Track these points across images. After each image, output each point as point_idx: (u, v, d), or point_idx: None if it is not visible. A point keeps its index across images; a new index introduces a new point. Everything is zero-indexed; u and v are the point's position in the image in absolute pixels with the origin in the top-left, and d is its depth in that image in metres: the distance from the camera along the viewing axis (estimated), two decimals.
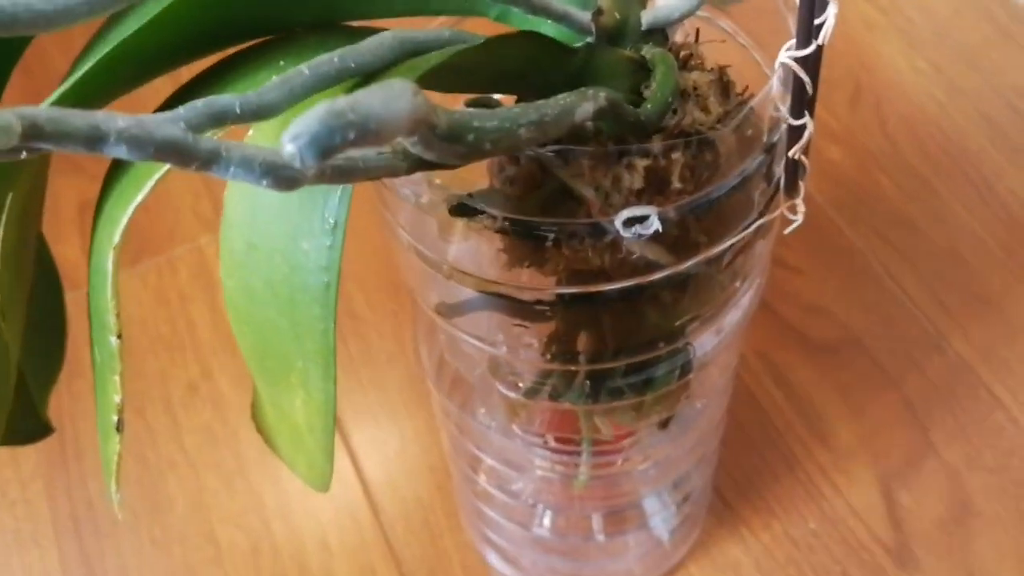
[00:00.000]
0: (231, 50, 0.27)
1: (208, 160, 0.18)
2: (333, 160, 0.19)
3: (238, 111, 0.21)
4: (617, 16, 0.27)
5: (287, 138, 0.16)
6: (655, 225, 0.26)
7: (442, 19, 0.30)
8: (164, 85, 0.27)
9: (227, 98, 0.21)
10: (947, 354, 0.58)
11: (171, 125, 0.18)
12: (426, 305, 0.35)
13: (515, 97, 0.27)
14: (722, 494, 0.54)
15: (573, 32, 0.27)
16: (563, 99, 0.21)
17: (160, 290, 0.63)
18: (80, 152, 0.17)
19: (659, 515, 0.48)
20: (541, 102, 0.21)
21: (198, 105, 0.21)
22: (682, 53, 0.29)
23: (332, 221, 0.23)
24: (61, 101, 0.24)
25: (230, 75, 0.26)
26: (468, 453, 0.47)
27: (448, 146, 0.18)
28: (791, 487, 0.54)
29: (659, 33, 0.28)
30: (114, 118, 0.17)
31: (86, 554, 0.54)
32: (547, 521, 0.50)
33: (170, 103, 0.27)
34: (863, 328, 0.60)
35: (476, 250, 0.31)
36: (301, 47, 0.26)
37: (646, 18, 0.27)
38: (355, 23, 0.28)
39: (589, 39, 0.27)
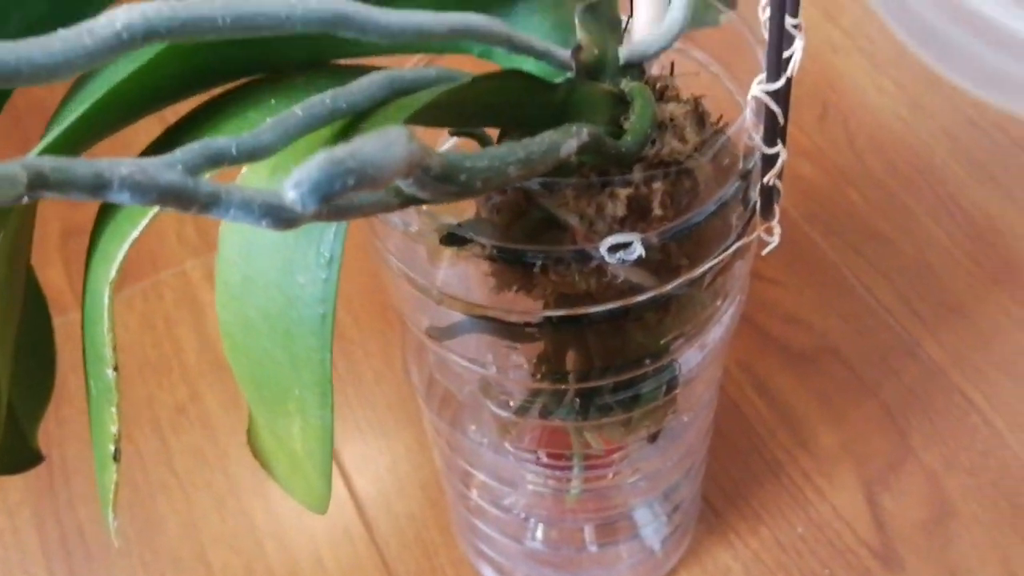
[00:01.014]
0: (220, 89, 0.28)
1: (208, 204, 0.19)
2: None
3: (234, 153, 0.22)
4: (596, 52, 0.28)
5: (289, 185, 0.17)
6: (638, 251, 0.27)
7: (425, 57, 0.31)
8: (150, 122, 0.28)
9: (223, 140, 0.22)
10: (921, 360, 0.59)
11: (171, 170, 0.18)
12: (416, 328, 0.35)
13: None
14: (710, 502, 0.55)
15: (554, 68, 0.28)
16: (548, 136, 0.22)
17: (146, 315, 0.64)
18: (84, 199, 0.18)
19: (650, 525, 0.49)
20: (527, 140, 0.22)
21: (195, 148, 0.21)
22: (658, 85, 0.30)
23: (327, 255, 0.23)
24: (54, 146, 0.25)
25: (221, 115, 0.27)
26: (460, 469, 0.47)
27: (441, 186, 0.19)
28: (777, 493, 0.55)
29: (636, 67, 0.29)
30: (117, 165, 0.18)
31: None
32: (540, 534, 0.51)
33: (161, 142, 0.28)
34: (840, 337, 0.61)
35: (464, 274, 0.32)
36: (290, 86, 0.27)
37: (623, 53, 0.28)
38: (342, 61, 0.28)
39: (569, 74, 0.28)
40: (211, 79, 0.27)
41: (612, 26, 0.29)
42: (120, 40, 0.19)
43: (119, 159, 0.19)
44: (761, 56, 0.29)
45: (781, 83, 0.26)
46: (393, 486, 0.57)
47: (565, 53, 0.28)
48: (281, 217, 0.19)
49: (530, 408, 0.37)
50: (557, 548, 0.52)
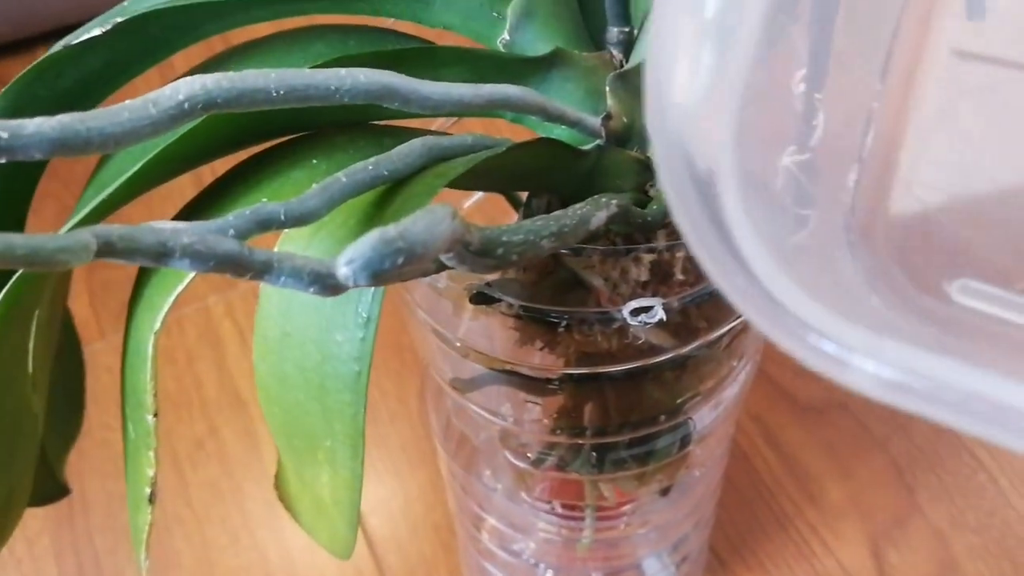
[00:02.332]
0: (259, 147, 0.29)
1: (261, 271, 0.20)
2: None
3: (283, 218, 0.23)
4: (625, 120, 0.29)
5: (342, 261, 0.18)
6: (660, 315, 0.28)
7: (458, 121, 0.32)
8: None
9: (272, 206, 0.23)
10: None
11: (228, 240, 0.19)
12: (440, 377, 0.36)
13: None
14: (717, 552, 0.56)
15: (584, 135, 0.29)
16: (580, 209, 0.23)
17: (167, 349, 0.65)
18: (147, 264, 0.19)
19: (659, 575, 0.50)
20: (559, 213, 0.23)
21: (246, 213, 0.22)
22: None
23: (365, 316, 0.24)
24: (103, 207, 0.26)
25: (264, 174, 0.28)
26: (472, 512, 0.48)
27: (479, 259, 0.20)
28: (783, 544, 0.56)
29: None
30: (179, 234, 0.19)
31: None
32: None
33: (205, 198, 0.29)
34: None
35: (487, 328, 0.33)
36: (331, 146, 0.28)
37: None
38: (380, 122, 0.30)
39: (599, 141, 0.29)
40: (254, 139, 0.28)
41: (640, 95, 0.30)
42: (182, 111, 0.20)
43: (179, 226, 0.20)
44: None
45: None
46: (405, 527, 0.58)
47: (595, 121, 0.29)
48: (328, 285, 0.20)
49: (547, 459, 0.37)
50: None
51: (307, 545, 0.58)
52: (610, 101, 0.29)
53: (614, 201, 0.25)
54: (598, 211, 0.24)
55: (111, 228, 0.19)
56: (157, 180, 0.28)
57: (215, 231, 0.22)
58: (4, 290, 0.25)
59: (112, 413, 0.64)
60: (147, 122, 0.20)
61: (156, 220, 0.20)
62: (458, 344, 0.33)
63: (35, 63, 0.27)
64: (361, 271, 0.17)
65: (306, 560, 0.56)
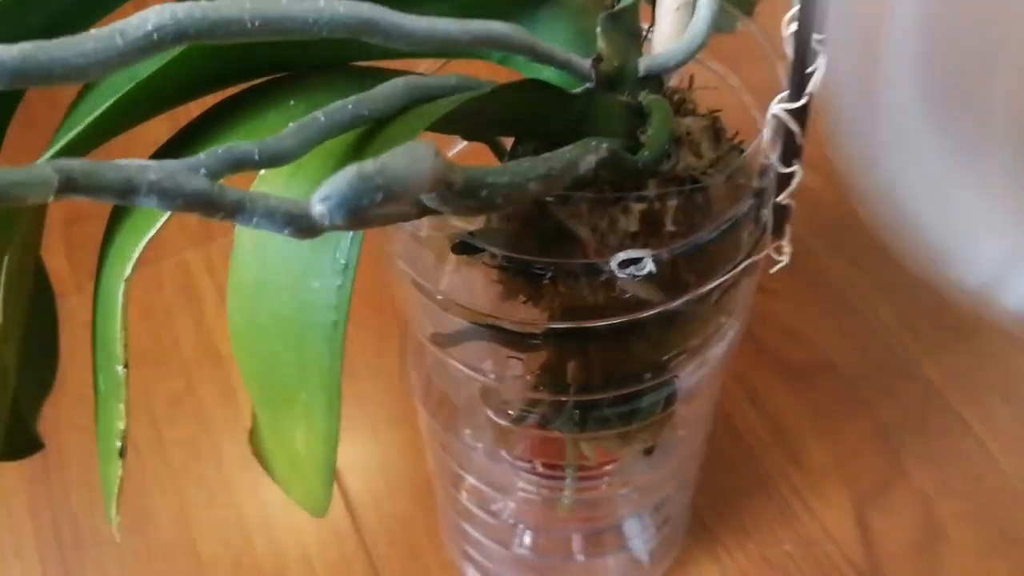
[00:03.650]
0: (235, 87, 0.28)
1: (233, 211, 0.19)
2: None
3: (257, 158, 0.22)
4: (616, 63, 0.28)
5: (317, 198, 0.17)
6: (649, 267, 0.27)
7: (439, 60, 0.31)
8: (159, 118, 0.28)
9: (246, 145, 0.22)
10: (918, 380, 0.59)
11: (197, 177, 0.18)
12: (421, 333, 0.35)
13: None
14: (699, 514, 0.55)
15: (573, 78, 0.28)
16: (568, 152, 0.22)
17: (145, 304, 0.64)
18: (112, 202, 0.18)
19: (639, 537, 0.49)
20: (547, 156, 0.22)
21: (218, 152, 0.21)
22: (675, 98, 0.30)
23: (343, 262, 0.23)
24: (72, 144, 0.25)
25: (240, 115, 0.26)
26: (451, 471, 0.47)
27: (463, 201, 0.19)
28: (766, 508, 0.56)
29: (655, 79, 0.29)
30: (145, 171, 0.18)
31: (68, 567, 0.54)
32: (528, 540, 0.51)
33: (179, 140, 0.28)
34: (837, 353, 0.61)
35: (469, 280, 0.32)
36: (309, 88, 0.27)
37: (643, 65, 0.28)
38: (360, 63, 0.28)
39: (588, 85, 0.28)
40: (230, 78, 0.27)
41: (632, 36, 0.29)
42: (151, 41, 0.19)
43: (146, 163, 0.18)
44: (780, 70, 0.29)
45: (803, 102, 0.26)
46: (383, 486, 0.57)
47: (585, 63, 0.27)
48: (303, 227, 0.19)
49: (528, 417, 0.37)
50: (544, 556, 0.52)
51: (285, 503, 0.56)
52: (601, 42, 0.28)
53: (604, 145, 0.24)
54: (587, 155, 0.23)
55: (73, 162, 0.18)
56: (131, 120, 0.27)
57: (185, 169, 0.21)
58: None
59: (89, 368, 0.63)
60: (113, 53, 0.19)
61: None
62: (439, 297, 0.32)
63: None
64: (337, 209, 0.16)
65: (283, 518, 0.56)
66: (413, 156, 0.17)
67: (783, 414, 0.59)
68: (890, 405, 0.59)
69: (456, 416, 0.44)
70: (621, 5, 0.28)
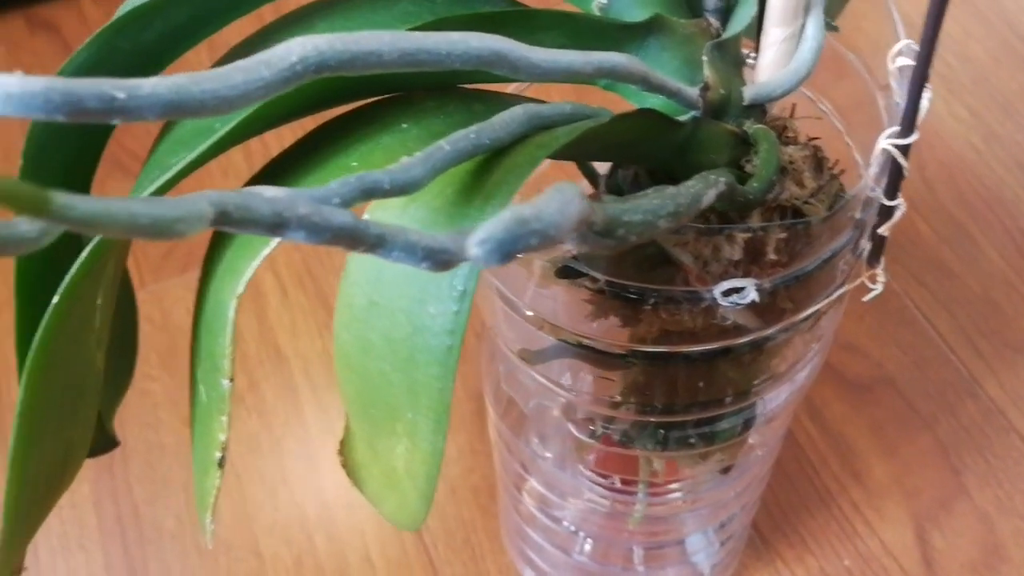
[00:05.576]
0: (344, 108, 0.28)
1: (375, 244, 0.19)
2: None
3: (387, 187, 0.22)
4: (722, 91, 0.28)
5: (475, 241, 0.17)
6: (752, 296, 0.27)
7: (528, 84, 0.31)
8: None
9: (377, 174, 0.22)
10: (980, 398, 0.59)
11: (344, 212, 0.19)
12: (507, 346, 0.36)
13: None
14: (759, 528, 0.55)
15: (680, 106, 0.28)
16: (692, 186, 0.22)
17: None
18: (261, 235, 0.18)
19: (703, 552, 0.49)
20: (673, 191, 0.22)
21: (351, 181, 0.22)
22: (777, 125, 0.30)
23: (461, 288, 0.24)
24: (195, 163, 0.25)
25: (353, 137, 0.27)
26: (515, 473, 0.48)
27: (602, 240, 0.19)
28: (825, 523, 0.56)
29: (758, 108, 0.29)
30: (294, 205, 0.18)
31: (131, 560, 0.55)
32: (588, 548, 0.51)
33: (286, 161, 0.28)
34: (897, 368, 0.61)
35: (555, 296, 0.32)
36: (420, 110, 0.27)
37: (748, 93, 0.29)
38: (469, 86, 0.29)
39: (695, 113, 0.28)
40: (343, 98, 0.27)
41: (736, 66, 0.29)
42: (294, 72, 0.20)
43: (292, 195, 0.19)
44: (880, 102, 0.29)
45: (913, 138, 0.26)
46: (444, 488, 0.57)
47: (693, 92, 0.28)
48: (440, 260, 0.19)
49: (610, 434, 0.37)
50: (604, 565, 0.52)
51: (346, 502, 0.58)
52: (707, 71, 0.28)
53: (722, 179, 0.24)
54: (709, 189, 0.23)
55: (226, 196, 0.18)
56: (239, 140, 0.27)
57: (319, 199, 0.21)
58: (88, 249, 0.25)
59: (151, 363, 0.64)
60: (260, 84, 0.19)
61: (209, 189, 0.19)
62: (529, 313, 0.32)
63: (120, 15, 0.26)
64: (494, 252, 0.17)
65: (345, 518, 0.56)
66: (563, 199, 0.17)
67: (842, 428, 0.59)
68: (950, 422, 0.59)
69: (524, 423, 0.44)
70: (727, 35, 0.28)
